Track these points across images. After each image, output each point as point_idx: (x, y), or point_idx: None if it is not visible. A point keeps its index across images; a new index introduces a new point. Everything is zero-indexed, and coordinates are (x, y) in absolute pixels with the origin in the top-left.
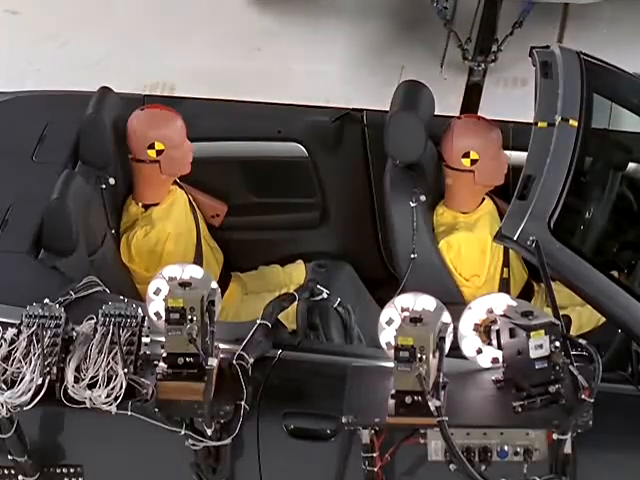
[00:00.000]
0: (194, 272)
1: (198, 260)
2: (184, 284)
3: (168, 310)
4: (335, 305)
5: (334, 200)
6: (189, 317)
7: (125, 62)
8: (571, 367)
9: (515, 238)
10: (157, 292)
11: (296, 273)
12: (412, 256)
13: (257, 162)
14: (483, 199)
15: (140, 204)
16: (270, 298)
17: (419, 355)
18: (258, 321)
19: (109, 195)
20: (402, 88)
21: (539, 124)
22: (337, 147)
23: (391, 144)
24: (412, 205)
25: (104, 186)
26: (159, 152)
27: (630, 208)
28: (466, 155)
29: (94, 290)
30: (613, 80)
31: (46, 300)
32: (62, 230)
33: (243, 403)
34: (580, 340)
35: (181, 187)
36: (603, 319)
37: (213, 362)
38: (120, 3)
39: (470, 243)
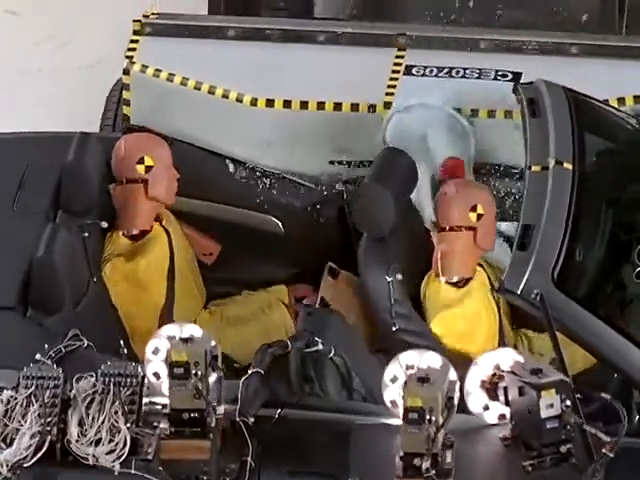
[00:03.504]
0: (193, 331)
1: (171, 298)
2: (185, 340)
3: (172, 365)
4: (330, 355)
5: (312, 271)
6: (193, 372)
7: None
8: (586, 426)
9: (518, 292)
10: (156, 352)
11: (280, 296)
12: (394, 328)
13: (233, 225)
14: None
15: (122, 233)
16: (254, 322)
17: (428, 417)
18: (250, 371)
19: (91, 243)
20: (378, 157)
21: (532, 168)
22: (316, 224)
23: (358, 217)
24: (388, 279)
25: (86, 234)
26: (148, 168)
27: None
28: (474, 209)
29: (79, 345)
30: (600, 116)
31: (38, 356)
32: (50, 288)
33: (249, 459)
34: (603, 394)
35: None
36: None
37: (219, 417)
38: (120, 3)
39: (466, 319)
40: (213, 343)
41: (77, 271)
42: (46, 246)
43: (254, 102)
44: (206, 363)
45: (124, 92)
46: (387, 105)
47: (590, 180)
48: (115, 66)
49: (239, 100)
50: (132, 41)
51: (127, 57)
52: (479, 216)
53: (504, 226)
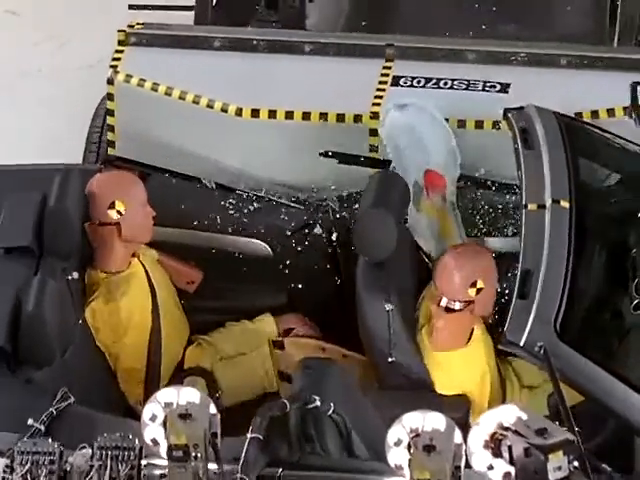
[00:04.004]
0: (190, 396)
1: (157, 335)
2: (183, 415)
3: (171, 448)
4: (330, 413)
5: (300, 296)
6: (193, 454)
7: None
8: None
9: (521, 344)
10: (153, 418)
11: (267, 329)
12: (390, 359)
13: (219, 253)
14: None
15: (99, 271)
16: (243, 361)
17: None
18: (249, 435)
19: (75, 286)
20: (374, 181)
21: (529, 207)
22: (302, 246)
23: (360, 243)
24: (387, 308)
25: (70, 277)
26: (119, 213)
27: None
28: (473, 284)
29: (68, 402)
30: (593, 142)
31: (30, 421)
32: (40, 343)
33: None
34: (603, 465)
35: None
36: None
37: None
38: (120, 3)
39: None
40: (213, 410)
41: (65, 318)
42: (36, 299)
43: (239, 112)
44: (206, 445)
45: (108, 102)
46: (373, 116)
47: (587, 217)
48: None
49: (224, 110)
50: (117, 51)
51: (111, 67)
52: (478, 290)
53: (490, 242)
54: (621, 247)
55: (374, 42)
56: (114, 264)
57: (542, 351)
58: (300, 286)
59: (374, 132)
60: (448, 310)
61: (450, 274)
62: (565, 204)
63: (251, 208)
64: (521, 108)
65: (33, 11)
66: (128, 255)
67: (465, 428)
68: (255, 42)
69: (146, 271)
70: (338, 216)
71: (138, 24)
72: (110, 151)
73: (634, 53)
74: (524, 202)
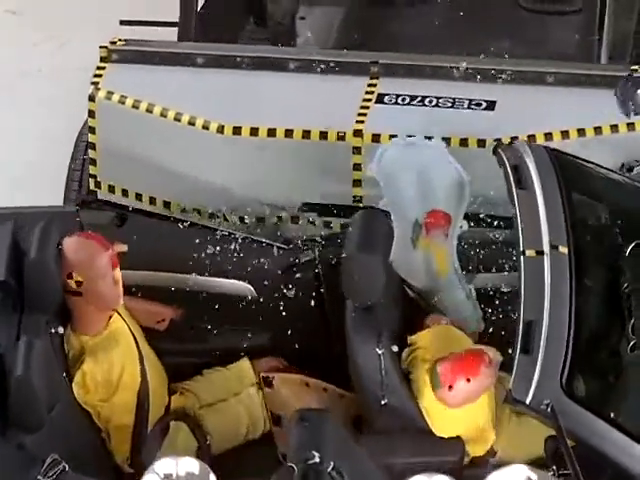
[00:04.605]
0: (189, 466)
1: (145, 387)
2: None
3: None
4: (329, 470)
5: (284, 335)
6: None
7: None
8: None
9: (528, 402)
10: None
11: (244, 374)
12: (382, 402)
13: (201, 294)
14: None
15: (78, 334)
16: (226, 408)
17: None
18: None
19: (57, 340)
20: (358, 220)
21: (527, 253)
22: (287, 286)
23: (348, 287)
24: (379, 352)
25: (53, 331)
26: (78, 283)
27: None
28: (467, 380)
29: (59, 470)
30: (584, 176)
31: None
32: (30, 409)
33: None
34: None
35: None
36: None
37: None
38: (120, 3)
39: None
40: (213, 479)
41: (52, 376)
42: (24, 364)
43: (221, 130)
44: None
45: (89, 119)
46: (356, 133)
47: (584, 260)
48: None
49: (205, 127)
50: (98, 68)
51: (92, 84)
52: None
53: (482, 278)
54: (615, 286)
55: (359, 59)
56: (91, 329)
57: (549, 409)
58: (285, 326)
59: (358, 150)
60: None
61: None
62: (564, 250)
63: (234, 248)
64: (511, 143)
65: (33, 11)
66: (104, 318)
67: (460, 471)
68: (238, 59)
69: (125, 322)
70: (322, 255)
71: (120, 40)
72: (92, 170)
73: (622, 70)
74: (522, 248)
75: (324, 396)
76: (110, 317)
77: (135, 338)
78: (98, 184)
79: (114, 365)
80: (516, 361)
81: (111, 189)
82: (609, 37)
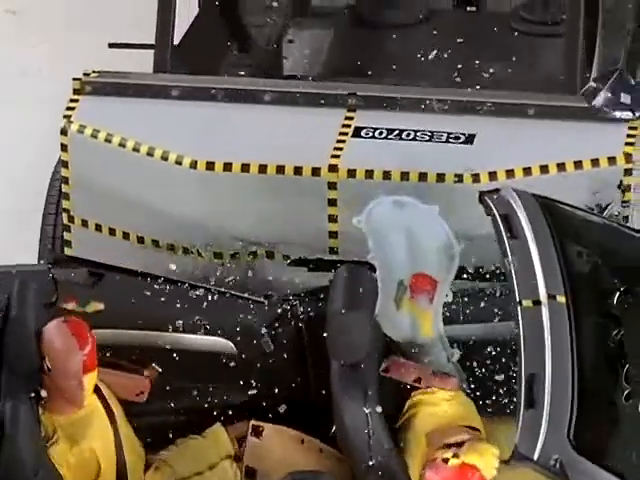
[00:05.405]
0: None
1: (122, 466)
2: None
3: None
4: None
5: (265, 394)
6: None
7: (125, 62)
8: None
9: (535, 459)
10: None
11: (219, 443)
12: (370, 463)
13: (181, 352)
14: None
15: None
16: None
17: None
18: None
19: (37, 404)
20: (341, 277)
21: (524, 303)
22: (267, 343)
23: (334, 346)
24: (366, 411)
25: (33, 394)
26: (49, 369)
27: None
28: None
29: None
30: (573, 221)
31: None
32: (17, 470)
33: None
34: None
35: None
36: None
37: None
38: (120, 3)
39: None
40: None
41: (36, 439)
42: (10, 430)
43: (194, 165)
44: None
45: (62, 153)
46: (332, 169)
47: (582, 308)
48: (115, 66)
49: (179, 162)
50: (71, 100)
51: (65, 117)
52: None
53: (458, 330)
54: (609, 333)
55: (336, 91)
56: (60, 412)
57: (558, 465)
58: (265, 382)
59: (333, 185)
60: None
61: None
62: (561, 299)
63: (214, 304)
64: (497, 190)
65: (33, 11)
66: (71, 408)
67: None
68: (213, 91)
69: (103, 397)
70: (304, 310)
71: (94, 72)
72: (65, 204)
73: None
74: (517, 299)
75: (320, 457)
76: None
77: (112, 415)
78: (71, 219)
79: (85, 450)
80: (521, 416)
81: (84, 223)
82: (599, 60)
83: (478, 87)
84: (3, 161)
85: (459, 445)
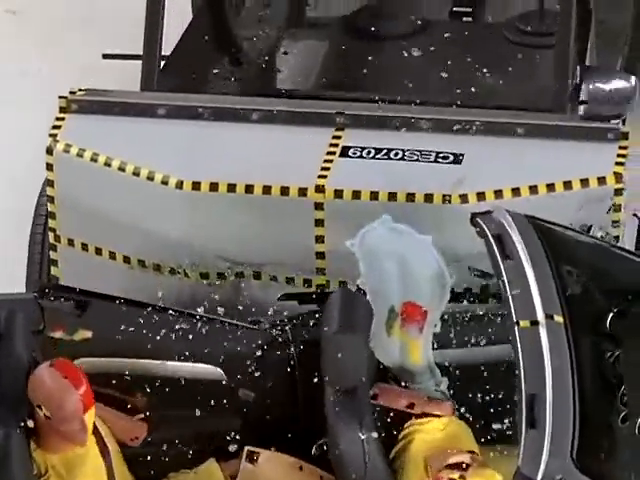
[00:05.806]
0: None
1: None
2: None
3: None
4: None
5: (257, 419)
6: None
7: (125, 62)
8: None
9: (539, 479)
10: None
11: (213, 477)
12: None
13: (171, 380)
14: None
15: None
16: None
17: None
18: None
19: (26, 432)
20: (336, 301)
21: (521, 324)
22: (258, 369)
23: (330, 369)
24: (362, 437)
25: (22, 424)
26: (46, 417)
27: None
28: None
29: None
30: (566, 242)
31: None
32: None
33: None
34: None
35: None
36: None
37: None
38: (120, 3)
39: None
40: None
41: (28, 471)
42: (3, 455)
43: (180, 185)
44: None
45: (47, 172)
46: (318, 189)
47: (579, 327)
48: (116, 67)
49: (164, 182)
50: (57, 119)
51: (51, 135)
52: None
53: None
54: (605, 353)
55: (324, 110)
56: (54, 451)
57: None
58: (257, 409)
59: (320, 206)
60: None
61: None
62: (559, 319)
63: (203, 331)
64: (489, 212)
65: (33, 11)
66: (68, 447)
67: None
68: (200, 109)
69: (98, 432)
70: (294, 336)
71: (80, 90)
72: (51, 223)
73: (593, 122)
74: (514, 319)
75: None
76: None
77: (106, 452)
78: (58, 238)
79: None
80: (523, 436)
81: (70, 242)
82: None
83: (474, 92)
84: (3, 161)
85: (461, 466)
